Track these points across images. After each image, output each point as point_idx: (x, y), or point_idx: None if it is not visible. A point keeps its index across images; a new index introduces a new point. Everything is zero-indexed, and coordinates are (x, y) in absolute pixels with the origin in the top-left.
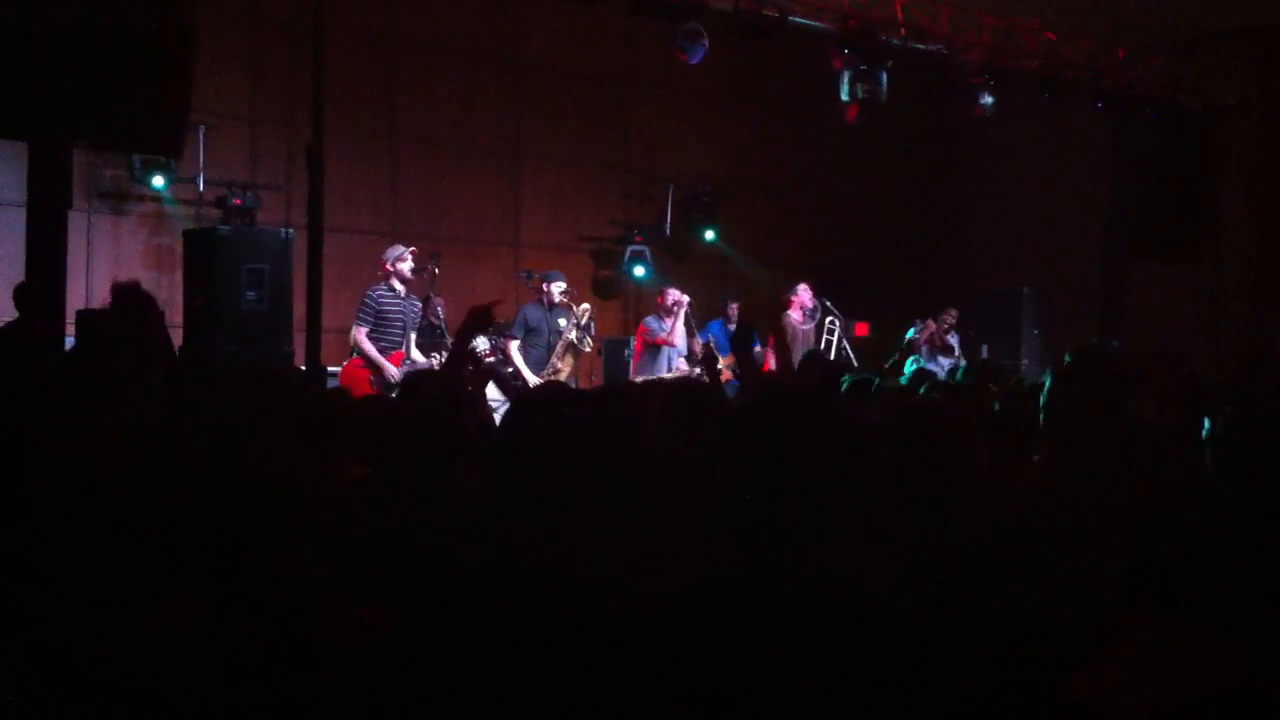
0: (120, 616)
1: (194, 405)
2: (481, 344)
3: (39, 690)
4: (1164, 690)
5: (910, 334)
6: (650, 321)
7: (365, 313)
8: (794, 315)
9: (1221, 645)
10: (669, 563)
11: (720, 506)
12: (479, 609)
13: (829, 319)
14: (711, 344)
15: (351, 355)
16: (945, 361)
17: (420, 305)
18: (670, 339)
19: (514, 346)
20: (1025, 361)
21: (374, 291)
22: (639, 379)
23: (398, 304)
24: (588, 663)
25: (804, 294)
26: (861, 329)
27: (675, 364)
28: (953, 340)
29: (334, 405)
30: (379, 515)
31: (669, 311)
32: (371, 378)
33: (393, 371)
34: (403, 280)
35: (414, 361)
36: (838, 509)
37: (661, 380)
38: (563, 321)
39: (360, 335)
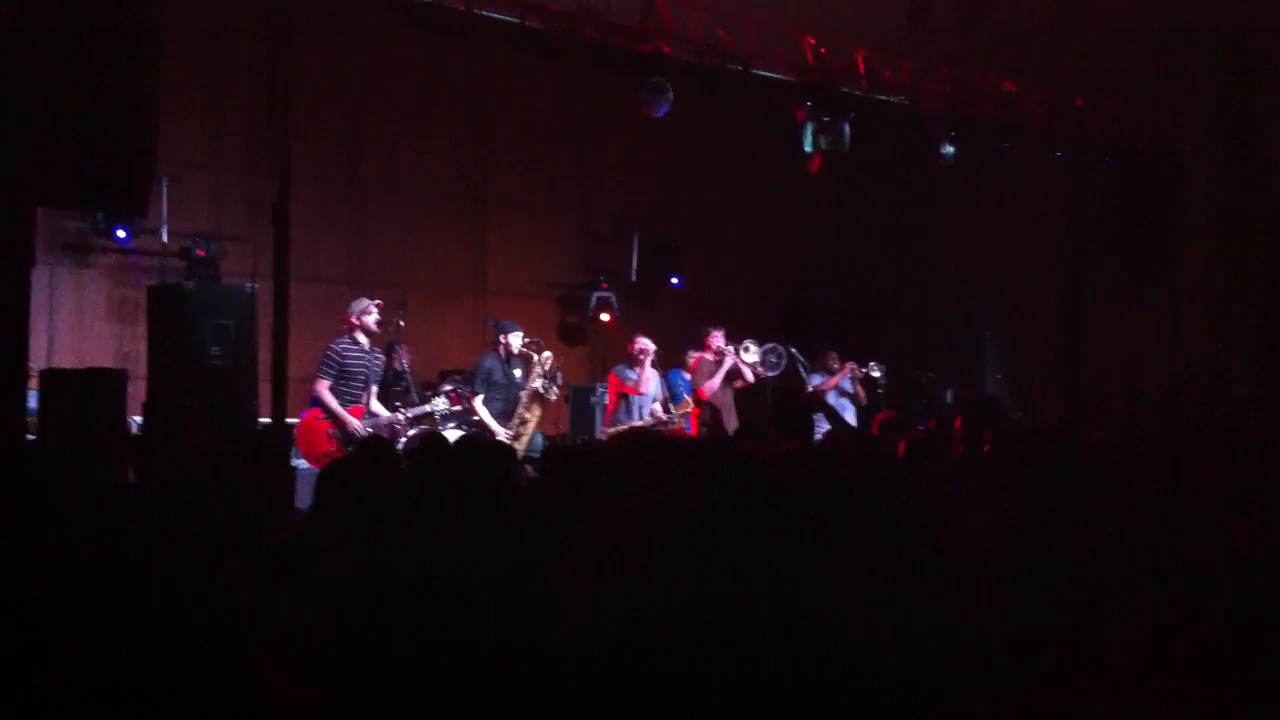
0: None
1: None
2: (440, 404)
3: None
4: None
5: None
6: (620, 370)
7: (328, 365)
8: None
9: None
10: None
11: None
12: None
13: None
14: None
15: (310, 406)
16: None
17: (383, 358)
18: (640, 388)
19: (479, 401)
20: None
21: (338, 344)
22: (611, 430)
23: (361, 357)
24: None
25: (716, 338)
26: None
27: (647, 413)
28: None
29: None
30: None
31: (637, 360)
32: (330, 430)
33: (355, 425)
34: (368, 333)
35: (375, 415)
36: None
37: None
38: (518, 372)
39: (322, 388)
